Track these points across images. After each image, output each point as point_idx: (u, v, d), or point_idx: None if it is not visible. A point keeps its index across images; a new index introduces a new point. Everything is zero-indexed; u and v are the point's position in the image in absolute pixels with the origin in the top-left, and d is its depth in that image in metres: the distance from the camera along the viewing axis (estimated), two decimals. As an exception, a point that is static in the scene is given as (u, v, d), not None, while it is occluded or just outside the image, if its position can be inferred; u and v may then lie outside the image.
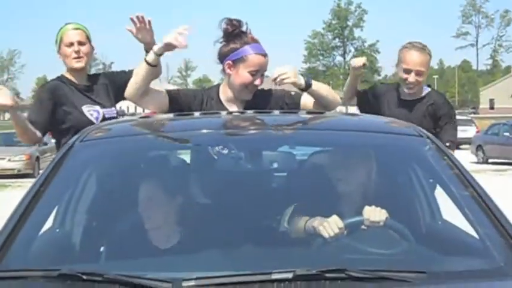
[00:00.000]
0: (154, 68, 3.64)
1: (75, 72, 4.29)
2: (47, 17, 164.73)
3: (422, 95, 4.54)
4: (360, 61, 4.53)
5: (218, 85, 3.83)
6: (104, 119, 4.19)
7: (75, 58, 4.23)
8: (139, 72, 3.65)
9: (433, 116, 4.46)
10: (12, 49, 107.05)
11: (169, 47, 3.59)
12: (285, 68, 3.61)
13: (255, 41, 3.66)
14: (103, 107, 4.25)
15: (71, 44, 4.22)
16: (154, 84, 3.80)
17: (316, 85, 3.69)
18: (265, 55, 3.67)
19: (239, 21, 3.67)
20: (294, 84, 3.59)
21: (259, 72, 3.64)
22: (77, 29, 4.27)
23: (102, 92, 4.31)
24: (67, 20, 4.39)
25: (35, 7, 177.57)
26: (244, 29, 3.68)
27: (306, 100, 3.73)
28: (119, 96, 4.19)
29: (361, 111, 4.61)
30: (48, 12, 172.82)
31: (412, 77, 4.40)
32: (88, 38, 4.31)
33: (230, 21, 3.66)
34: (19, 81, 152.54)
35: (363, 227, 2.74)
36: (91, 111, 4.21)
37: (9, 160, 22.65)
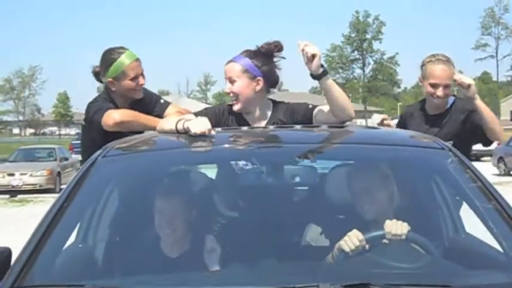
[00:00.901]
0: None
1: (128, 99, 4.18)
2: (68, 33, 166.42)
3: (447, 107, 4.52)
4: (378, 118, 4.48)
5: None
6: None
7: (138, 91, 4.15)
8: (168, 132, 3.46)
9: (467, 122, 4.41)
10: (33, 65, 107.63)
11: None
12: (312, 44, 3.49)
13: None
14: None
15: (136, 78, 4.11)
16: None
17: (331, 82, 3.54)
18: (227, 62, 3.66)
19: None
20: (312, 59, 3.41)
21: (226, 79, 3.66)
22: (137, 60, 4.15)
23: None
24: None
25: (55, 23, 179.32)
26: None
27: (317, 114, 3.63)
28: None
29: None
30: (68, 28, 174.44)
31: (440, 91, 4.38)
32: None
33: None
34: (40, 97, 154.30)
35: (384, 240, 2.72)
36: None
37: (31, 175, 22.82)
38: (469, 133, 4.36)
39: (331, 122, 3.52)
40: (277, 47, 3.64)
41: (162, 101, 4.33)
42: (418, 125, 4.46)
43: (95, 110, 4.09)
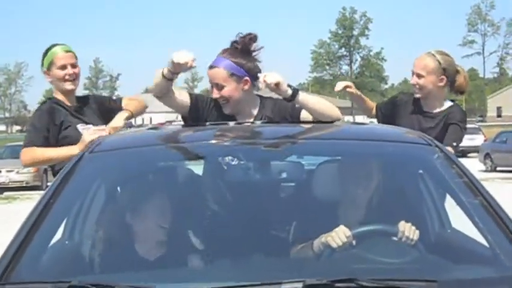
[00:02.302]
0: (170, 81, 3.59)
1: (67, 94, 4.37)
2: (54, 29, 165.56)
3: (442, 109, 4.47)
4: (339, 86, 4.57)
5: None
6: None
7: (68, 80, 4.32)
8: (158, 83, 3.57)
9: (446, 125, 4.36)
10: (19, 62, 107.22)
11: (178, 66, 3.46)
12: (272, 72, 3.51)
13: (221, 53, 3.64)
14: (95, 125, 4.25)
15: (64, 67, 4.31)
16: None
17: (305, 96, 3.54)
18: (210, 67, 3.60)
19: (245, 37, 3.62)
20: (278, 87, 3.43)
21: (212, 84, 3.64)
22: (68, 51, 4.36)
23: (91, 114, 4.38)
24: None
25: (41, 19, 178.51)
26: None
27: (305, 114, 3.64)
28: (106, 121, 4.27)
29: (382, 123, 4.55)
30: (55, 25, 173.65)
31: (413, 79, 4.42)
32: (76, 60, 4.42)
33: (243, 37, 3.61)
34: (27, 94, 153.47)
35: (394, 238, 2.72)
36: (85, 129, 4.23)
37: (17, 172, 22.75)
38: (440, 138, 4.16)
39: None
40: (252, 38, 3.60)
41: (114, 97, 4.67)
42: (408, 117, 4.43)
43: (29, 123, 4.45)
